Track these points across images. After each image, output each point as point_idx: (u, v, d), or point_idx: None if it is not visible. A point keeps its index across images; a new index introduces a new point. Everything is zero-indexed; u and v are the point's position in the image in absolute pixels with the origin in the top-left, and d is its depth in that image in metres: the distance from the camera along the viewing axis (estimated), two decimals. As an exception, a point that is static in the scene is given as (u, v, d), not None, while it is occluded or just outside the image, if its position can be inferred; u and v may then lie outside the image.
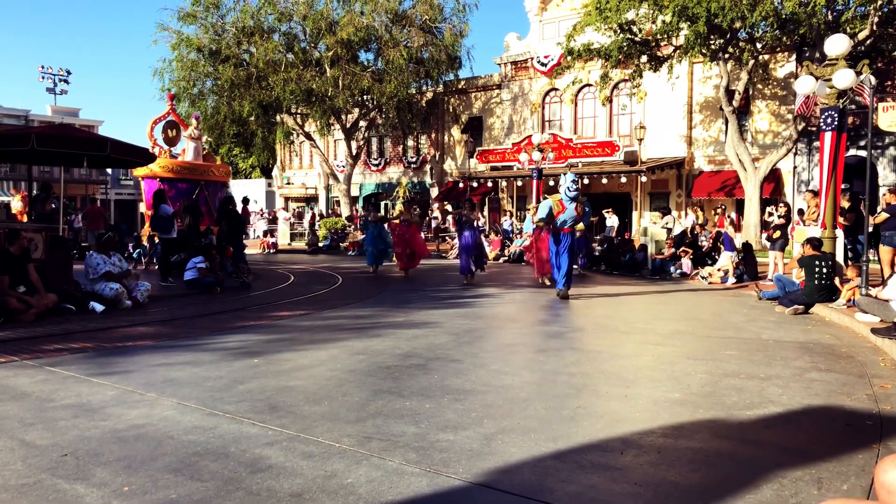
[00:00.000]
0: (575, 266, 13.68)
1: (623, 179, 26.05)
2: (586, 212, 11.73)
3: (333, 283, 14.36)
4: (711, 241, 16.86)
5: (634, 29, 22.06)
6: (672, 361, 6.50)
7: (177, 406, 4.83)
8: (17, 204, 19.32)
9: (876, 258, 12.18)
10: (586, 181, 25.68)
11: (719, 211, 19.86)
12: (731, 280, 14.09)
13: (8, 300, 8.54)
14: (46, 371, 5.92)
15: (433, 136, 35.64)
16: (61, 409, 4.75)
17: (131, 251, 19.69)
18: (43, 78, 50.41)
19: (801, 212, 12.99)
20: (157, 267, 14.88)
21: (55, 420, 4.48)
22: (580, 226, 11.66)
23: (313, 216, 32.92)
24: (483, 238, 15.27)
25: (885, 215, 11.44)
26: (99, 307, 9.57)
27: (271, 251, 26.51)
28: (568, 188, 11.38)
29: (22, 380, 5.61)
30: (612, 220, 23.73)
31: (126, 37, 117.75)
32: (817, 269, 10.00)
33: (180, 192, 17.69)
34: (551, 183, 26.94)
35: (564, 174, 11.89)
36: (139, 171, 17.93)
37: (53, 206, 15.34)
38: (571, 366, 6.30)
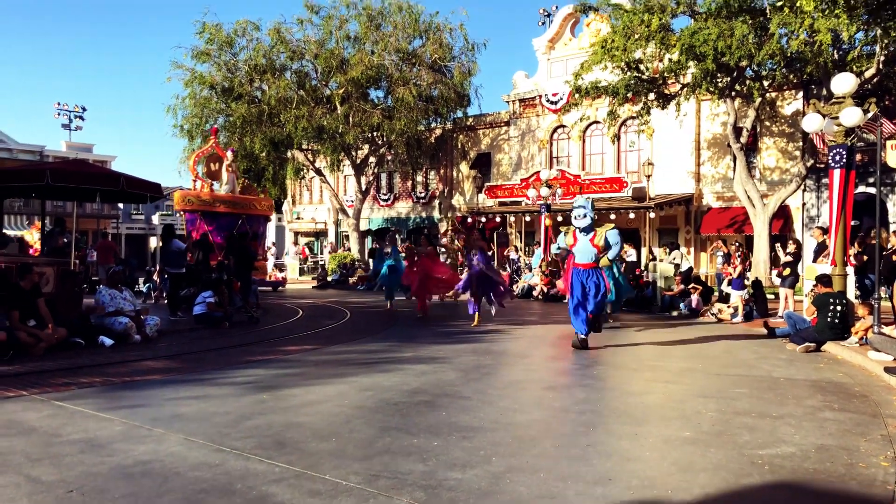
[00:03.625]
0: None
1: (631, 215, 26.08)
2: (609, 243, 9.74)
3: (342, 318, 14.35)
4: (728, 273, 16.74)
5: (642, 67, 22.28)
6: (682, 399, 6.44)
7: (184, 442, 4.81)
8: (31, 236, 19.50)
9: (887, 295, 12.09)
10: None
11: (733, 248, 19.83)
12: (739, 318, 13.99)
13: (18, 334, 8.56)
14: (54, 406, 5.91)
15: (442, 171, 35.86)
16: (68, 444, 4.73)
17: (141, 286, 19.78)
18: (59, 114, 51.24)
19: (822, 246, 12.89)
20: (166, 301, 14.92)
21: (62, 455, 4.46)
22: (604, 260, 9.80)
23: (303, 249, 33.22)
24: (487, 268, 13.11)
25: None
26: (108, 341, 9.59)
27: (280, 287, 26.54)
28: (575, 217, 9.68)
29: (30, 414, 5.60)
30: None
31: (140, 74, 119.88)
32: (831, 307, 9.93)
33: (221, 225, 17.77)
34: (559, 219, 27.00)
35: (579, 205, 9.87)
36: (180, 205, 18.09)
37: (66, 240, 15.46)
38: (581, 403, 6.24)
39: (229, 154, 20.38)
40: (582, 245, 9.74)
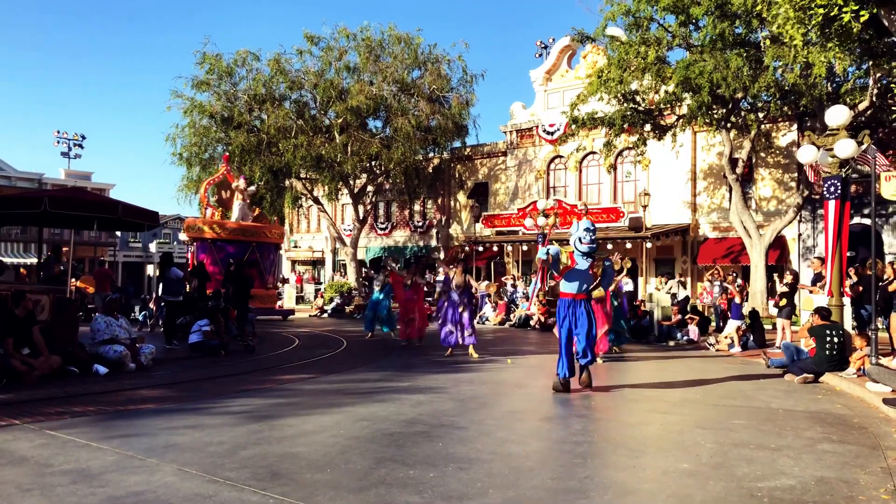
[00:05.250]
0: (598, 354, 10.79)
1: (628, 245, 26.12)
2: (607, 271, 8.93)
3: (338, 347, 14.28)
4: (725, 303, 16.80)
5: (638, 98, 22.52)
6: (680, 430, 6.39)
7: (177, 472, 4.75)
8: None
9: (884, 326, 12.08)
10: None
11: (730, 279, 19.88)
12: (737, 349, 13.96)
13: (12, 362, 8.50)
14: (46, 435, 5.85)
15: (439, 201, 36.00)
16: (60, 474, 4.67)
17: (137, 314, 19.69)
18: (58, 143, 51.50)
19: (819, 276, 12.89)
20: (162, 329, 14.84)
21: (53, 486, 4.41)
22: (599, 291, 8.86)
23: (299, 278, 33.39)
24: (460, 300, 12.66)
25: (897, 284, 11.40)
26: (102, 370, 9.51)
27: (291, 315, 26.35)
28: (580, 238, 8.45)
29: (21, 444, 5.54)
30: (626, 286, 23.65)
31: (140, 103, 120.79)
32: (828, 339, 9.91)
33: (230, 254, 17.73)
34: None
35: (577, 221, 8.78)
36: (189, 233, 18.03)
37: (62, 268, 15.44)
38: (578, 434, 6.20)
39: (241, 182, 20.41)
40: (580, 270, 8.54)
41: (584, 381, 8.63)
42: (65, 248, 15.54)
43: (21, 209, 11.56)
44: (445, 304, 12.89)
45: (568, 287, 8.60)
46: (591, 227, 8.58)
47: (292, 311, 25.34)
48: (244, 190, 20.14)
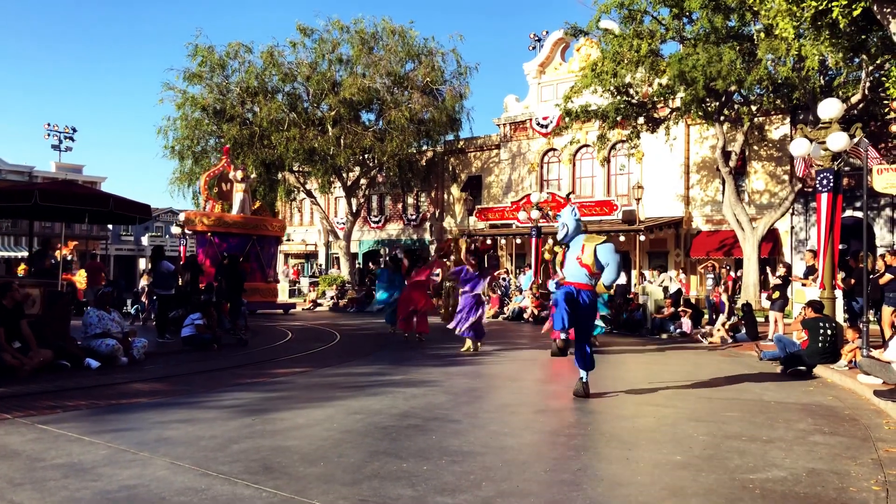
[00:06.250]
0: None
1: (622, 238, 26.18)
2: (600, 263, 7.53)
3: (331, 341, 14.27)
4: (717, 297, 16.88)
5: (631, 91, 22.51)
6: (673, 423, 6.41)
7: (170, 466, 4.74)
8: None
9: (876, 318, 12.14)
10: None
11: (724, 271, 19.93)
12: (729, 341, 14.00)
13: (3, 356, 8.45)
14: (38, 429, 5.82)
15: (433, 194, 35.97)
16: (51, 468, 4.65)
17: (129, 307, 19.62)
18: (49, 135, 51.16)
19: (811, 269, 12.93)
20: (154, 323, 14.79)
21: (45, 480, 4.38)
22: (599, 286, 7.61)
23: (295, 270, 33.28)
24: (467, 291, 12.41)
25: (889, 276, 11.44)
26: (94, 363, 9.47)
27: (292, 309, 26.33)
28: (565, 223, 7.78)
29: (13, 438, 5.51)
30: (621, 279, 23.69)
31: (131, 96, 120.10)
32: (821, 332, 9.95)
33: (230, 247, 17.67)
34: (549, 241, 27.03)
35: (558, 214, 7.92)
36: (188, 226, 17.94)
37: (53, 261, 15.33)
38: (571, 427, 6.21)
39: (238, 174, 20.28)
40: (569, 265, 7.78)
41: (580, 392, 7.66)
42: (73, 243, 15.45)
43: (11, 202, 11.48)
44: (471, 296, 12.37)
45: (567, 277, 7.88)
46: (561, 214, 7.82)
47: (293, 305, 25.30)
48: (241, 180, 20.00)
